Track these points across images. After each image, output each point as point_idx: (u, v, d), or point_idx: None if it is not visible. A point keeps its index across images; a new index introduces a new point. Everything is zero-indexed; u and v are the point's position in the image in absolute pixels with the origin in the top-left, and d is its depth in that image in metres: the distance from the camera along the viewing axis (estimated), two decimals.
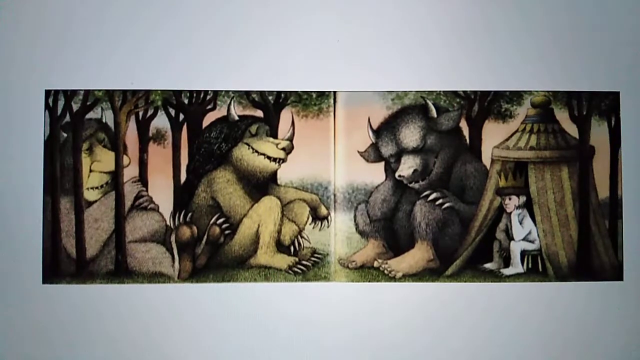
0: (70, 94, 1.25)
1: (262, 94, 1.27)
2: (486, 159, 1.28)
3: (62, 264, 1.24)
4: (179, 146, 1.26)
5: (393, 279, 1.26)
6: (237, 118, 1.28)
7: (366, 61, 1.28)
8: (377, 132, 1.28)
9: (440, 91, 1.28)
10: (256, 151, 1.28)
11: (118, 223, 1.25)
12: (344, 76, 1.27)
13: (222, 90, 1.27)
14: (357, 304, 1.26)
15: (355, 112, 1.27)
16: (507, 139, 1.28)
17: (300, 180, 1.27)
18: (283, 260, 1.26)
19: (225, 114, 1.28)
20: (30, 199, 1.24)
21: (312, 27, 1.28)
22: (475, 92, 1.28)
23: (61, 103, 1.25)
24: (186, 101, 1.27)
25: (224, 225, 1.26)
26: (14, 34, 1.26)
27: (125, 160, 1.26)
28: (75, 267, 1.24)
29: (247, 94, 1.27)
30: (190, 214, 1.26)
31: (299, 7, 1.28)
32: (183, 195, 1.26)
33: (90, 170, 1.26)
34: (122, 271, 1.24)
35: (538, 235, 1.27)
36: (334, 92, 1.27)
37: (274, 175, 1.28)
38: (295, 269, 1.25)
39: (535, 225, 1.27)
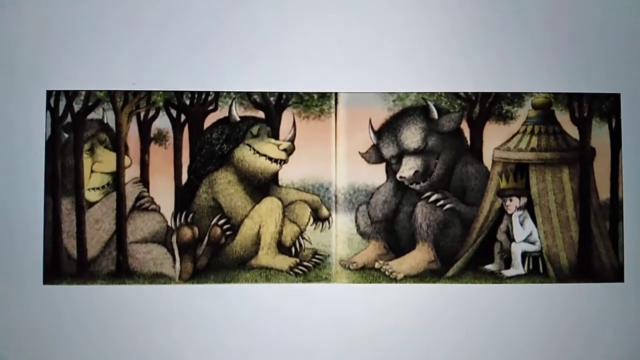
0: (71, 95, 1.26)
1: (263, 95, 1.27)
2: (487, 161, 1.28)
3: (63, 265, 1.24)
4: (181, 147, 1.26)
5: (394, 280, 1.26)
6: (238, 119, 1.28)
7: (367, 62, 1.28)
8: (378, 134, 1.28)
9: (441, 92, 1.28)
10: (257, 152, 1.28)
11: (119, 224, 1.25)
12: (346, 77, 1.27)
13: (223, 91, 1.27)
14: (358, 305, 1.25)
15: (357, 114, 1.27)
16: (508, 141, 1.28)
17: (301, 181, 1.27)
18: (284, 261, 1.26)
19: (227, 115, 1.28)
20: (32, 199, 1.24)
21: (313, 29, 1.28)
22: (476, 93, 1.28)
23: (63, 103, 1.25)
24: (188, 102, 1.27)
25: (225, 226, 1.26)
26: (16, 34, 1.27)
27: (127, 161, 1.26)
28: (76, 267, 1.24)
29: (249, 95, 1.27)
30: (191, 215, 1.26)
31: (301, 9, 1.28)
32: (184, 196, 1.26)
33: (92, 171, 1.26)
34: (123, 272, 1.24)
35: (539, 236, 1.27)
36: (336, 94, 1.27)
37: (275, 176, 1.28)
38: (296, 270, 1.25)
39: (536, 226, 1.27)
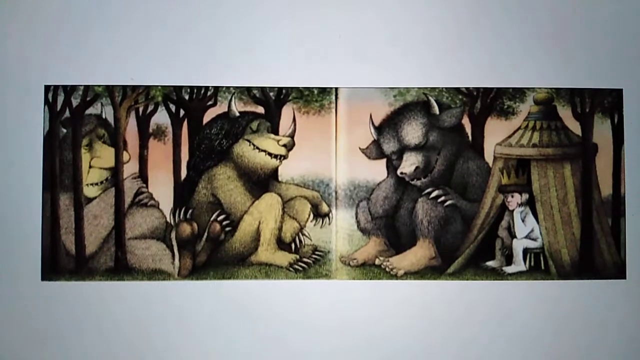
0: (70, 90, 1.25)
1: (263, 90, 1.27)
2: (488, 156, 1.27)
3: (61, 261, 1.23)
4: (180, 142, 1.26)
5: (395, 276, 1.25)
6: (237, 114, 1.27)
7: (368, 57, 1.27)
8: (379, 129, 1.27)
9: (442, 88, 1.27)
10: (257, 148, 1.27)
11: (118, 220, 1.24)
12: (346, 72, 1.26)
13: (223, 86, 1.26)
14: (358, 302, 1.25)
15: (357, 109, 1.26)
16: (509, 136, 1.27)
17: (301, 177, 1.26)
18: (284, 258, 1.25)
19: (226, 110, 1.27)
20: (30, 195, 1.23)
21: (313, 23, 1.27)
22: (477, 88, 1.27)
23: (61, 98, 1.24)
24: (187, 97, 1.26)
25: (224, 222, 1.25)
26: (13, 28, 1.26)
27: (125, 156, 1.25)
28: (74, 264, 1.23)
29: (248, 90, 1.27)
30: (190, 211, 1.25)
31: (301, 2, 1.27)
32: (183, 192, 1.26)
33: (90, 167, 1.25)
34: (121, 268, 1.23)
35: (540, 233, 1.27)
36: (336, 89, 1.26)
37: (275, 172, 1.27)
38: (296, 267, 1.25)
39: (538, 223, 1.27)
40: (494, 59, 1.28)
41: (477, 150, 1.27)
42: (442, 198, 1.26)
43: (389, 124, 1.27)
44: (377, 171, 1.27)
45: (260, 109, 1.27)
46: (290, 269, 1.25)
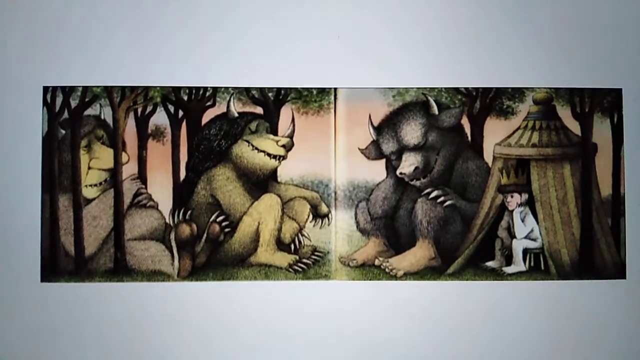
0: (68, 91, 1.24)
1: (262, 90, 1.26)
2: (488, 156, 1.27)
3: (60, 262, 1.23)
4: (178, 143, 1.26)
5: (394, 277, 1.25)
6: (236, 115, 1.27)
7: (367, 57, 1.27)
8: (378, 129, 1.27)
9: (441, 88, 1.27)
10: (256, 148, 1.27)
11: (117, 221, 1.24)
12: (345, 72, 1.26)
13: (221, 87, 1.26)
14: (358, 303, 1.25)
15: (356, 109, 1.26)
16: (509, 136, 1.27)
17: (300, 177, 1.26)
18: (283, 259, 1.25)
19: (225, 110, 1.27)
20: (28, 196, 1.23)
21: (312, 23, 1.27)
22: (477, 88, 1.27)
23: (59, 99, 1.24)
24: (185, 98, 1.26)
25: (223, 223, 1.25)
26: (12, 29, 1.25)
27: (124, 157, 1.25)
28: (73, 265, 1.23)
29: (247, 90, 1.26)
30: (189, 212, 1.25)
31: (300, 3, 1.27)
32: (182, 193, 1.25)
33: (89, 168, 1.25)
34: (121, 269, 1.23)
35: (540, 233, 1.26)
36: (335, 89, 1.26)
37: (274, 172, 1.27)
38: (296, 267, 1.25)
39: (538, 223, 1.27)
40: (494, 59, 1.27)
41: (476, 150, 1.27)
42: (442, 198, 1.26)
43: (388, 124, 1.27)
44: (376, 171, 1.27)
45: (259, 110, 1.27)
46: (290, 269, 1.25)
